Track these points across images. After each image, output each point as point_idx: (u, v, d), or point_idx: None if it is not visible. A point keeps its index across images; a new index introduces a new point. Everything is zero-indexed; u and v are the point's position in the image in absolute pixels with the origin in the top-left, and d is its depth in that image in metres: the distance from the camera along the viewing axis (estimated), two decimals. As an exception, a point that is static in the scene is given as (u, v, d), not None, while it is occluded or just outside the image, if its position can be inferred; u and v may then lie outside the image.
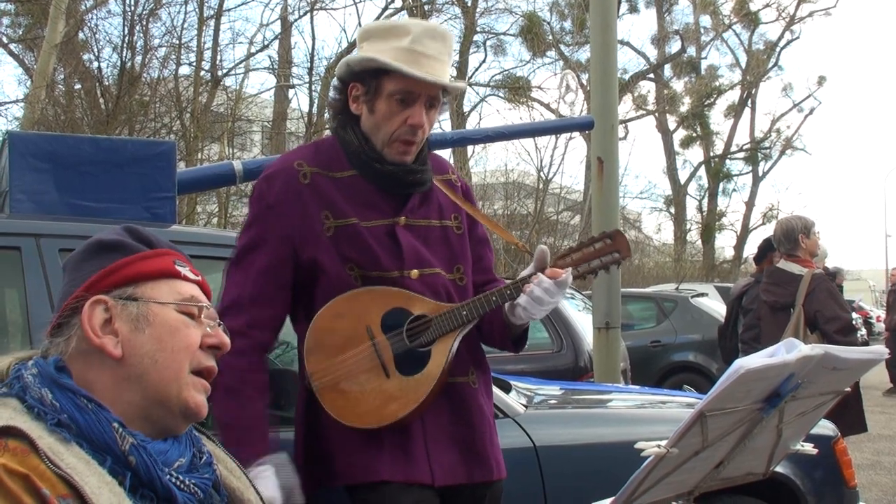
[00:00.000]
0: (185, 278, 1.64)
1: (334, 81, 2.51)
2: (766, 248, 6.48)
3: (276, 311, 2.45)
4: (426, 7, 21.42)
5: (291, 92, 21.83)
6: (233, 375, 2.31)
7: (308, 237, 2.41)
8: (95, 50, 16.79)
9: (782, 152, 36.05)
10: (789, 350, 1.87)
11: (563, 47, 28.01)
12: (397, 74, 2.37)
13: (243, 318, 2.37)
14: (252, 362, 2.38)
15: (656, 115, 34.13)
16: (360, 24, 21.58)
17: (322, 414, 2.42)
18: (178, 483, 1.52)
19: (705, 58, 35.32)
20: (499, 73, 27.27)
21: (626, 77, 30.13)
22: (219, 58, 19.60)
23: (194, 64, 18.30)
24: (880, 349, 2.15)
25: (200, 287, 1.67)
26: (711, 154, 35.54)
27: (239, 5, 20.87)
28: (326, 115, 19.84)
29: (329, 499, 2.52)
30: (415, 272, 2.45)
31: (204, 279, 1.69)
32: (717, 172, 35.29)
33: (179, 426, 1.62)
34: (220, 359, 2.33)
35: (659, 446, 1.85)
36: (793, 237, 5.78)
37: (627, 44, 33.01)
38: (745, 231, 35.69)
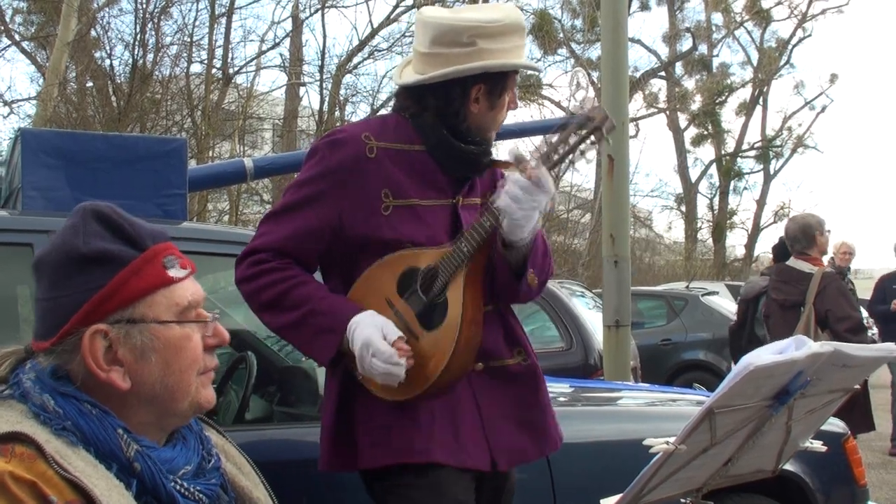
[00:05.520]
0: (178, 280, 1.57)
1: (449, 85, 2.43)
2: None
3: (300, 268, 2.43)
4: (437, 5, 21.41)
5: (302, 90, 21.87)
6: (268, 291, 2.35)
7: (362, 212, 2.38)
8: (107, 48, 16.84)
9: (794, 150, 35.89)
10: (799, 347, 1.87)
11: (573, 45, 27.97)
12: (515, 70, 2.49)
13: (271, 257, 2.37)
14: (283, 269, 2.37)
15: (667, 113, 34.04)
16: (370, 22, 21.61)
17: (363, 398, 2.39)
18: (183, 490, 1.51)
19: (717, 55, 35.22)
20: (510, 71, 27.20)
21: (637, 75, 30.08)
22: (230, 55, 19.65)
23: (206, 62, 18.37)
24: (890, 346, 2.14)
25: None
26: (723, 152, 35.42)
27: (250, 3, 20.97)
28: (337, 113, 19.88)
29: (345, 483, 2.51)
30: None
31: (190, 263, 1.62)
32: (728, 170, 35.18)
33: (188, 420, 1.62)
34: (248, 290, 2.38)
35: (667, 443, 1.86)
36: (811, 234, 5.75)
37: (638, 41, 32.96)
38: (756, 229, 35.57)
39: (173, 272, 1.56)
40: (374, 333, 2.25)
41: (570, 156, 2.34)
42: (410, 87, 2.49)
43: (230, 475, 1.71)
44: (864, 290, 10.22)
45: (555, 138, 2.35)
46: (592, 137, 2.34)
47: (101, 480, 1.39)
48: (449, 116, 2.45)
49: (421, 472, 2.33)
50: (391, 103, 2.65)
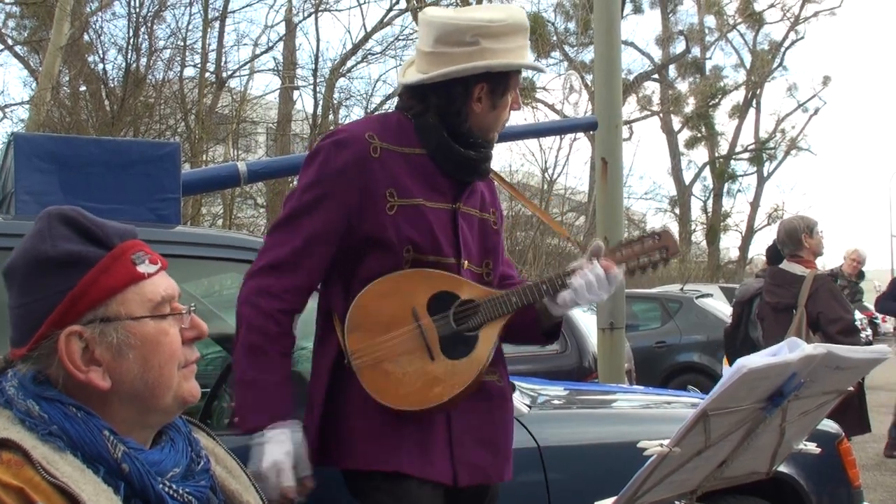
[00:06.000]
0: (149, 276, 1.56)
1: (451, 84, 2.43)
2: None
3: (314, 279, 2.42)
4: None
5: (296, 93, 21.87)
6: (259, 335, 2.33)
7: (367, 212, 2.36)
8: (100, 52, 16.89)
9: (787, 153, 36.06)
10: (792, 349, 1.88)
11: (567, 48, 28.03)
12: (518, 70, 2.49)
13: (281, 281, 2.36)
14: (281, 324, 2.36)
15: (661, 115, 34.14)
16: (364, 26, 21.64)
17: (346, 396, 2.38)
18: (172, 493, 1.50)
19: (710, 58, 35.38)
20: (503, 74, 27.21)
21: (631, 77, 30.18)
22: (223, 59, 19.70)
23: (199, 66, 18.37)
24: (883, 348, 2.15)
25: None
26: (716, 154, 35.54)
27: (243, 7, 21.07)
28: (331, 117, 19.89)
29: (325, 478, 2.50)
30: (466, 262, 2.46)
31: (161, 259, 1.61)
32: (721, 173, 35.29)
33: (174, 415, 1.62)
34: (247, 316, 2.34)
35: (662, 445, 1.86)
36: (796, 237, 5.79)
37: (632, 44, 33.05)
38: (749, 232, 35.69)
39: (143, 268, 1.55)
40: (286, 460, 2.26)
41: (636, 263, 2.58)
42: (413, 87, 2.48)
43: (220, 478, 1.70)
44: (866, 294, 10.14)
45: (631, 247, 2.57)
46: (659, 257, 2.58)
47: (88, 485, 1.38)
48: (451, 116, 2.44)
49: (389, 479, 2.34)
50: (385, 107, 2.66)
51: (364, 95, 20.47)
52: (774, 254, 6.26)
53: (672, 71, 34.54)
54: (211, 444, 1.75)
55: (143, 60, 16.74)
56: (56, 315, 1.48)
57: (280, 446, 2.26)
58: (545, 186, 24.09)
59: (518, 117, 24.69)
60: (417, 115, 2.48)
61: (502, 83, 2.46)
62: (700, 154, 37.20)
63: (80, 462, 1.42)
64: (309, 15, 20.86)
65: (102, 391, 1.49)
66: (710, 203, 35.69)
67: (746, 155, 36.33)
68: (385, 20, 20.72)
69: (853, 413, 5.61)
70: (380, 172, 2.38)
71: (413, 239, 2.38)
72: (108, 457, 1.44)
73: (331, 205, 2.36)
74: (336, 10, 21.82)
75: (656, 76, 33.83)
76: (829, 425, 3.79)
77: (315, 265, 2.39)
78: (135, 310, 1.52)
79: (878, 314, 10.51)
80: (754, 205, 36.05)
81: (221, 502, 1.66)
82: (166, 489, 1.50)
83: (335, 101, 20.47)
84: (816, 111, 36.66)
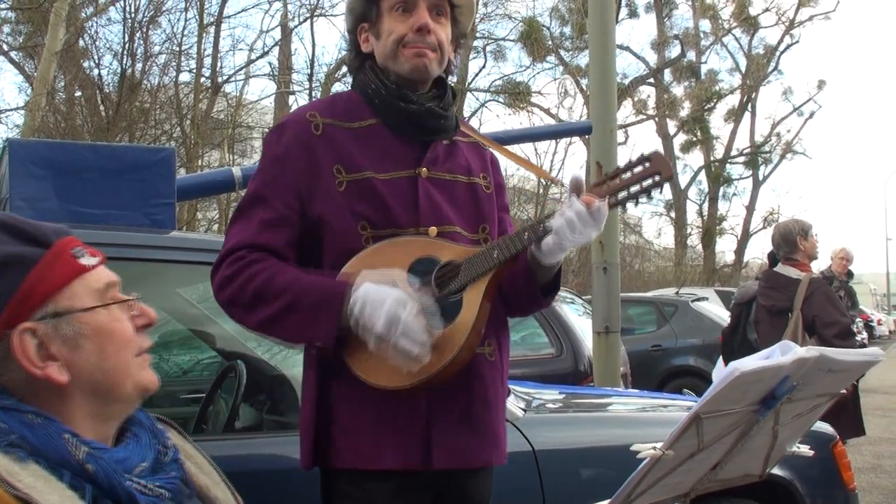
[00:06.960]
0: (92, 268, 1.57)
1: (348, 35, 2.48)
2: None
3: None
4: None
5: (292, 98, 21.88)
6: (259, 277, 2.18)
7: (317, 192, 2.26)
8: (96, 57, 16.86)
9: (782, 156, 36.17)
10: (784, 352, 1.88)
11: (562, 52, 28.09)
12: None
13: (240, 261, 2.22)
14: (270, 261, 2.20)
15: (656, 119, 34.18)
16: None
17: (331, 392, 2.26)
18: (141, 488, 1.49)
19: (705, 62, 35.48)
20: (498, 79, 27.34)
21: (626, 82, 30.24)
22: (219, 64, 19.72)
23: (194, 71, 18.40)
24: (876, 351, 2.16)
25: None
26: (712, 158, 35.61)
27: (239, 12, 21.08)
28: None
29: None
30: (433, 229, 2.30)
31: (99, 252, 1.62)
32: (717, 177, 35.35)
33: (135, 405, 1.62)
34: (230, 293, 2.19)
35: (654, 448, 1.86)
36: (791, 240, 5.80)
37: (627, 48, 33.11)
38: (745, 235, 35.75)
39: (85, 260, 1.57)
40: (397, 309, 2.06)
41: (626, 194, 2.26)
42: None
43: (189, 474, 1.68)
44: (859, 296, 10.22)
45: (619, 177, 2.26)
46: (651, 182, 2.26)
47: (53, 494, 1.37)
48: (356, 61, 2.45)
49: (353, 478, 2.24)
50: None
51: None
52: (775, 258, 6.29)
53: (667, 75, 34.60)
54: (180, 441, 1.73)
55: (139, 65, 16.74)
56: (6, 317, 1.47)
57: (381, 309, 2.06)
58: (541, 190, 24.11)
59: (513, 122, 24.76)
60: (359, 84, 2.43)
61: (373, 12, 2.38)
62: (695, 158, 37.45)
63: (44, 470, 1.40)
64: (304, 20, 20.91)
65: (61, 386, 1.49)
66: (705, 207, 35.77)
67: (742, 159, 36.41)
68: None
69: (848, 416, 5.63)
70: (324, 149, 2.29)
71: (365, 214, 2.26)
72: (71, 460, 1.43)
73: (281, 188, 2.27)
74: (332, 15, 21.80)
75: (651, 80, 33.87)
76: (823, 428, 3.80)
77: (279, 245, 2.25)
78: (85, 301, 1.54)
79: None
80: (750, 208, 36.12)
81: (193, 492, 1.65)
82: (135, 485, 1.48)
83: (331, 106, 20.47)
84: (811, 115, 36.99)
